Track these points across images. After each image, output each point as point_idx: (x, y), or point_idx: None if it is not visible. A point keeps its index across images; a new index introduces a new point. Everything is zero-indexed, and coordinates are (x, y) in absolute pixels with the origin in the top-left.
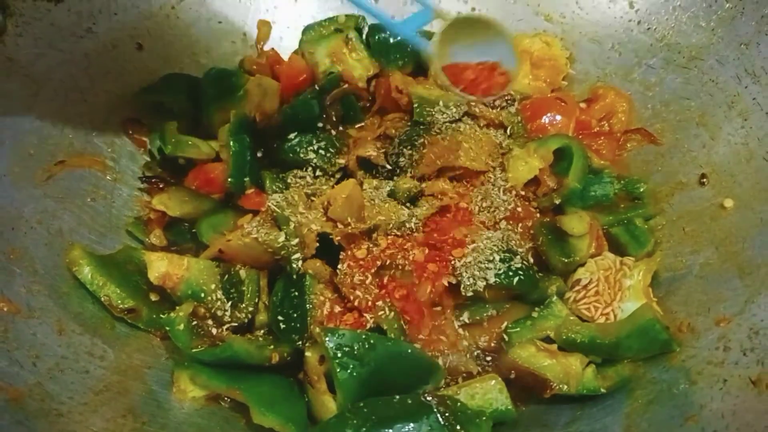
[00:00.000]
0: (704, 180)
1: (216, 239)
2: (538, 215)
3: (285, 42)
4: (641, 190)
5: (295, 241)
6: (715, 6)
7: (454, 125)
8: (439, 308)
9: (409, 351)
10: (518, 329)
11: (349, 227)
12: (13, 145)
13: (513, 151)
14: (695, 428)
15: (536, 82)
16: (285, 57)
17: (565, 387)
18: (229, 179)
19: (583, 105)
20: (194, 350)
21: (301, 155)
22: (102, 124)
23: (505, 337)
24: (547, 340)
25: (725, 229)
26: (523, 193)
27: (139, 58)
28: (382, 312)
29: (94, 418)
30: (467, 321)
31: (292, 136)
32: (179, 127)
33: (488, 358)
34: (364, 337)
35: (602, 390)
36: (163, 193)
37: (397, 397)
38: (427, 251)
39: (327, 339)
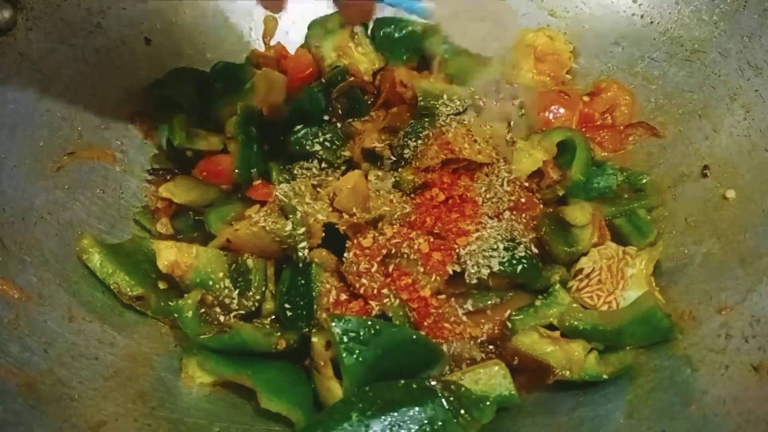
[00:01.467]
0: (707, 171)
1: (224, 229)
2: (541, 206)
3: (291, 36)
4: (644, 181)
5: (302, 230)
6: (718, 0)
7: (458, 118)
8: (443, 296)
9: (414, 337)
10: (521, 316)
11: (355, 217)
12: (24, 137)
13: (517, 143)
14: (697, 414)
15: (540, 76)
16: (291, 51)
17: (568, 373)
18: (237, 170)
19: (586, 98)
20: (202, 337)
21: (308, 147)
22: (111, 117)
23: (509, 324)
24: (550, 327)
25: (727, 219)
26: (527, 184)
27: (147, 53)
28: (388, 300)
29: (104, 402)
30: (471, 309)
31: (298, 128)
32: (187, 119)
33: (491, 346)
34: (370, 323)
35: (604, 376)
36: (170, 181)
37: (402, 381)
38: (432, 240)
39: (334, 324)
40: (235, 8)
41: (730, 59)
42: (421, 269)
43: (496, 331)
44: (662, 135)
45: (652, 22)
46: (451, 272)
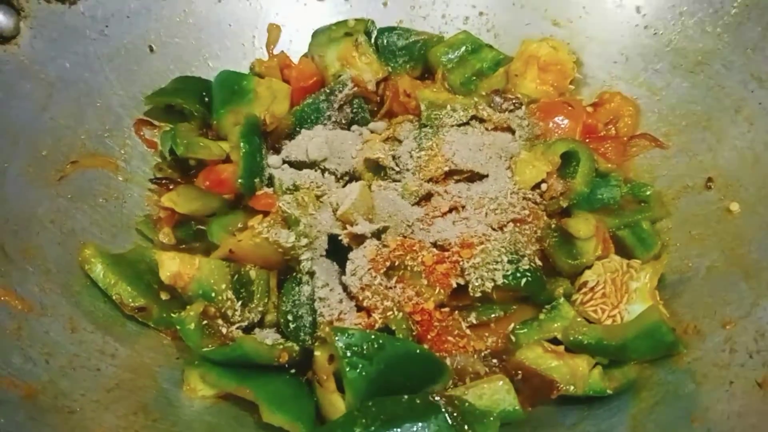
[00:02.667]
0: (710, 184)
1: (227, 239)
2: (545, 218)
3: (295, 45)
4: (648, 193)
5: (305, 241)
6: (722, 11)
7: (461, 128)
8: (446, 309)
9: (418, 351)
10: (525, 330)
11: (358, 228)
12: (27, 145)
13: (520, 154)
14: (701, 429)
15: (543, 87)
16: (295, 60)
17: (572, 388)
18: (240, 180)
19: (589, 109)
20: (205, 349)
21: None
22: (114, 125)
23: (513, 338)
24: (555, 341)
25: (731, 232)
26: (530, 196)
27: (150, 61)
28: (391, 312)
29: (106, 414)
30: (475, 322)
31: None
32: (190, 128)
33: (495, 360)
34: (373, 337)
35: (609, 391)
36: (172, 191)
37: (406, 396)
38: (435, 252)
39: (337, 338)
40: (238, 17)
41: (733, 71)
42: (425, 281)
43: (499, 345)
44: (666, 146)
45: (656, 34)
46: (455, 285)
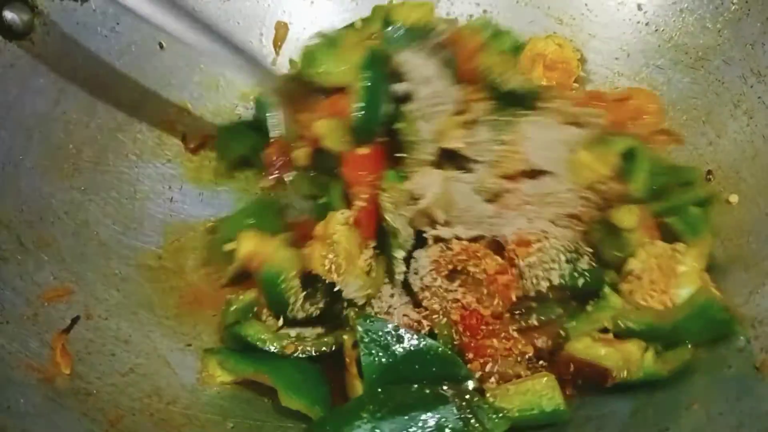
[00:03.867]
0: (710, 176)
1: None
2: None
3: (302, 43)
4: (691, 176)
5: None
6: (722, 8)
7: (537, 121)
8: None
9: (439, 350)
10: (575, 323)
11: (445, 232)
12: (41, 139)
13: (581, 152)
14: (700, 412)
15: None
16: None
17: (625, 373)
18: (361, 112)
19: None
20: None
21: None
22: (125, 120)
23: (562, 332)
24: (602, 330)
25: (730, 223)
26: (588, 195)
27: (160, 57)
28: (436, 316)
29: (121, 397)
30: (536, 324)
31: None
32: None
33: (541, 362)
34: (393, 328)
35: (664, 374)
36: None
37: (416, 386)
38: (499, 261)
39: (359, 323)
40: (246, 15)
41: (733, 66)
42: (485, 291)
43: (549, 344)
44: (682, 142)
45: (657, 30)
46: (514, 299)
